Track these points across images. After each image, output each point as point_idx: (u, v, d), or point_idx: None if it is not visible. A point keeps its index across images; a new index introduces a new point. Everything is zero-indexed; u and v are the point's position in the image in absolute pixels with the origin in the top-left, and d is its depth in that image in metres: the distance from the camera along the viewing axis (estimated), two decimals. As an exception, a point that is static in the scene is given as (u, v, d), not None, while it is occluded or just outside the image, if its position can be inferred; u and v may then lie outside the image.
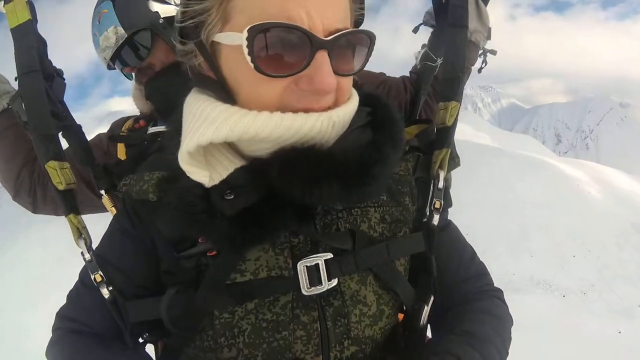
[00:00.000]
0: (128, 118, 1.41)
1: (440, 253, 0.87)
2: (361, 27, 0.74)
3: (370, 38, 0.68)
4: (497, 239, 7.92)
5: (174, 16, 1.13)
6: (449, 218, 0.94)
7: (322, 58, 0.62)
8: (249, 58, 0.61)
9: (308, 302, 0.72)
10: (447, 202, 0.91)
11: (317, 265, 0.71)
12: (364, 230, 0.77)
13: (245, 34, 0.60)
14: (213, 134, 0.63)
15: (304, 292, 0.71)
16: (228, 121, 0.63)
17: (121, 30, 1.18)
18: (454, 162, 0.92)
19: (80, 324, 0.83)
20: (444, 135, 0.91)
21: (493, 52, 1.34)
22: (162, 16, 1.18)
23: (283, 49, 0.61)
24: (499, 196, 9.53)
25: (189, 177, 0.68)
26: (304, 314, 0.72)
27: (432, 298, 0.84)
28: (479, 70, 1.37)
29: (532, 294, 6.25)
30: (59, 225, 0.86)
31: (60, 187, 0.94)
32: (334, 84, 0.64)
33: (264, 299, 0.72)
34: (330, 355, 0.73)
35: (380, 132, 0.74)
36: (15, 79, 1.02)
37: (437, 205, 0.85)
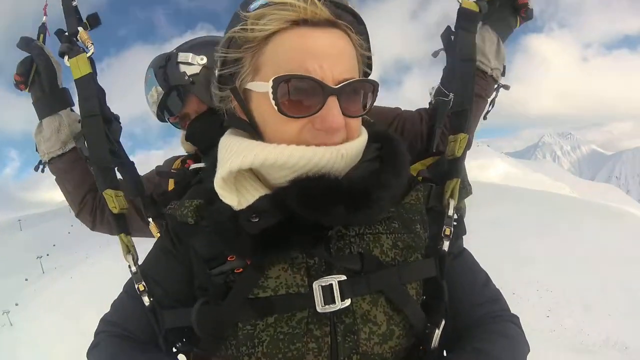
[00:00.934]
0: (178, 157, 1.64)
1: (453, 279, 0.91)
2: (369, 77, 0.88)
3: (373, 85, 0.80)
4: (573, 295, 7.15)
5: (197, 73, 1.39)
6: (464, 246, 1.00)
7: (332, 102, 0.74)
8: (273, 102, 0.74)
9: (322, 319, 0.78)
10: (461, 230, 0.99)
11: (331, 285, 0.77)
12: (376, 254, 0.82)
13: (270, 83, 0.73)
14: (241, 162, 0.76)
15: (318, 310, 0.77)
16: (253, 151, 0.76)
17: (160, 89, 1.44)
18: (466, 190, 0.99)
19: (121, 328, 0.91)
20: (454, 166, 1.01)
21: (506, 87, 1.41)
22: (188, 74, 1.40)
23: (301, 95, 0.74)
24: (577, 250, 8.69)
25: (221, 201, 0.79)
26: (317, 328, 0.77)
27: (443, 322, 0.87)
28: (491, 103, 1.42)
29: (605, 356, 5.44)
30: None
31: (115, 211, 1.10)
32: (342, 122, 0.75)
33: (283, 315, 0.78)
34: None
35: (386, 163, 0.84)
36: (78, 122, 1.22)
37: (447, 232, 0.91)
